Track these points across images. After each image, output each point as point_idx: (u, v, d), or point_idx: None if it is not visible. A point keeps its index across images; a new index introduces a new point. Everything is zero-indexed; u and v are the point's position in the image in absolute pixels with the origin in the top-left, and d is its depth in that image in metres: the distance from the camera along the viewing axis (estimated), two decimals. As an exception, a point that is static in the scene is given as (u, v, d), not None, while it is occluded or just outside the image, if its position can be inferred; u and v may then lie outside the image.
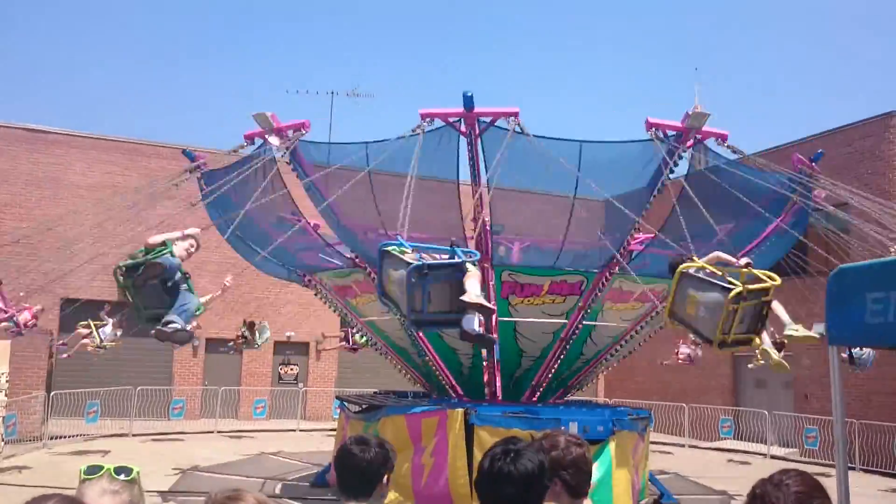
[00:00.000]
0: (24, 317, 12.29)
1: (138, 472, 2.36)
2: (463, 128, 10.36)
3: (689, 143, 10.46)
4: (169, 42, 69.24)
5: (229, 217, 11.13)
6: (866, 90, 62.67)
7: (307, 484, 13.24)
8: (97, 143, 23.02)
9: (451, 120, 10.27)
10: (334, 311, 15.12)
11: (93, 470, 2.32)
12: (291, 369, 24.64)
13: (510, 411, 10.76)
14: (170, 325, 7.45)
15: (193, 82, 70.15)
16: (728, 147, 10.57)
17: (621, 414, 11.56)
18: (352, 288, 12.77)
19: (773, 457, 18.99)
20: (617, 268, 11.24)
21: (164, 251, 7.62)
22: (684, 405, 21.76)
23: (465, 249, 7.24)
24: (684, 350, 17.98)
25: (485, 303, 6.68)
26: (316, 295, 14.29)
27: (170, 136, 72.05)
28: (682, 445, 20.82)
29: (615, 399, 24.03)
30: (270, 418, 22.47)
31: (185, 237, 7.98)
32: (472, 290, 6.59)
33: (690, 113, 10.27)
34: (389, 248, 7.09)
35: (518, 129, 9.94)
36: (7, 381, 17.11)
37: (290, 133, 11.14)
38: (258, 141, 11.36)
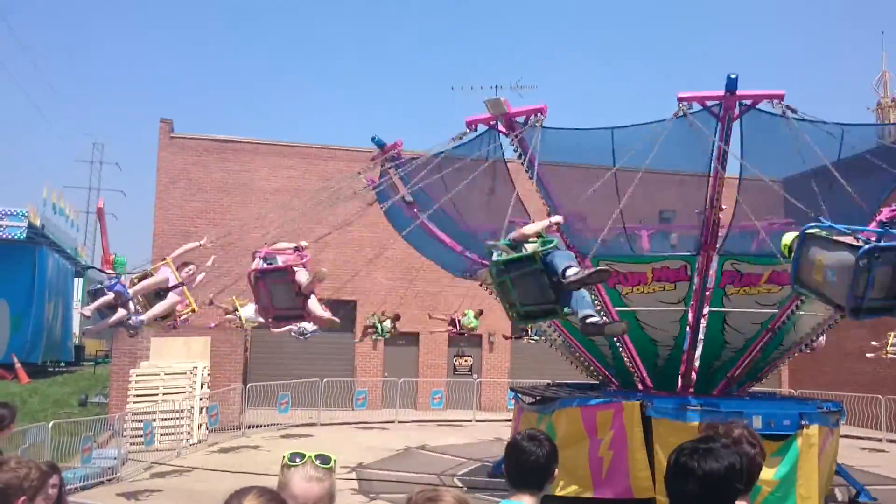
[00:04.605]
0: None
1: (335, 461, 2.56)
2: (720, 112, 9.75)
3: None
4: (335, 51, 72.15)
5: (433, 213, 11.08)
6: None
7: (482, 478, 13.45)
8: (278, 149, 24.42)
9: (708, 104, 9.69)
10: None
11: (296, 457, 2.48)
12: (466, 360, 25.12)
13: (688, 403, 10.49)
14: (590, 319, 6.92)
15: (354, 86, 72.77)
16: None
17: (810, 407, 10.95)
18: None
19: None
20: None
21: (551, 244, 6.93)
22: (880, 397, 20.25)
23: None
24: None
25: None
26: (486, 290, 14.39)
27: (343, 139, 75.23)
28: (880, 440, 19.43)
29: (801, 390, 22.73)
30: (447, 409, 23.03)
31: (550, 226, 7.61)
32: None
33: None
34: (813, 231, 6.78)
35: (790, 112, 9.32)
36: (209, 375, 18.60)
37: (520, 120, 10.49)
38: (481, 128, 10.88)
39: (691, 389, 11.85)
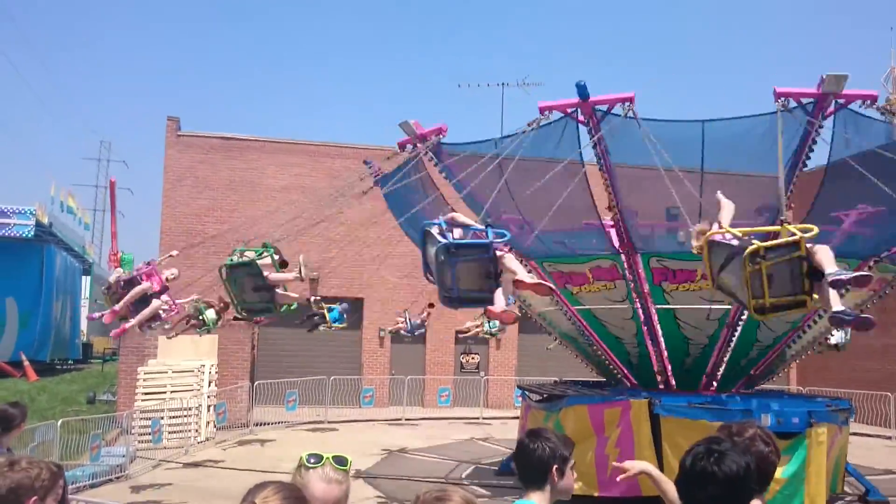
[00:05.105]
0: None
1: (351, 462, 2.55)
2: (581, 117, 10.35)
3: (829, 111, 9.76)
4: (337, 50, 72.29)
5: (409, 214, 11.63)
6: None
7: (494, 470, 13.51)
8: (285, 146, 24.37)
9: (568, 111, 10.29)
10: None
11: (314, 458, 2.47)
12: (472, 358, 25.10)
13: (696, 402, 10.47)
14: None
15: (369, 83, 72.83)
16: (879, 109, 9.70)
17: (819, 405, 10.92)
18: None
19: None
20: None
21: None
22: (889, 394, 20.16)
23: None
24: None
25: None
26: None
27: (346, 138, 75.43)
28: (889, 437, 19.35)
29: (809, 388, 22.65)
30: (454, 406, 23.03)
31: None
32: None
33: (825, 77, 9.49)
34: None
35: (631, 116, 9.85)
36: (216, 373, 18.64)
37: (432, 137, 11.84)
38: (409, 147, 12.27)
39: (674, 385, 11.96)
